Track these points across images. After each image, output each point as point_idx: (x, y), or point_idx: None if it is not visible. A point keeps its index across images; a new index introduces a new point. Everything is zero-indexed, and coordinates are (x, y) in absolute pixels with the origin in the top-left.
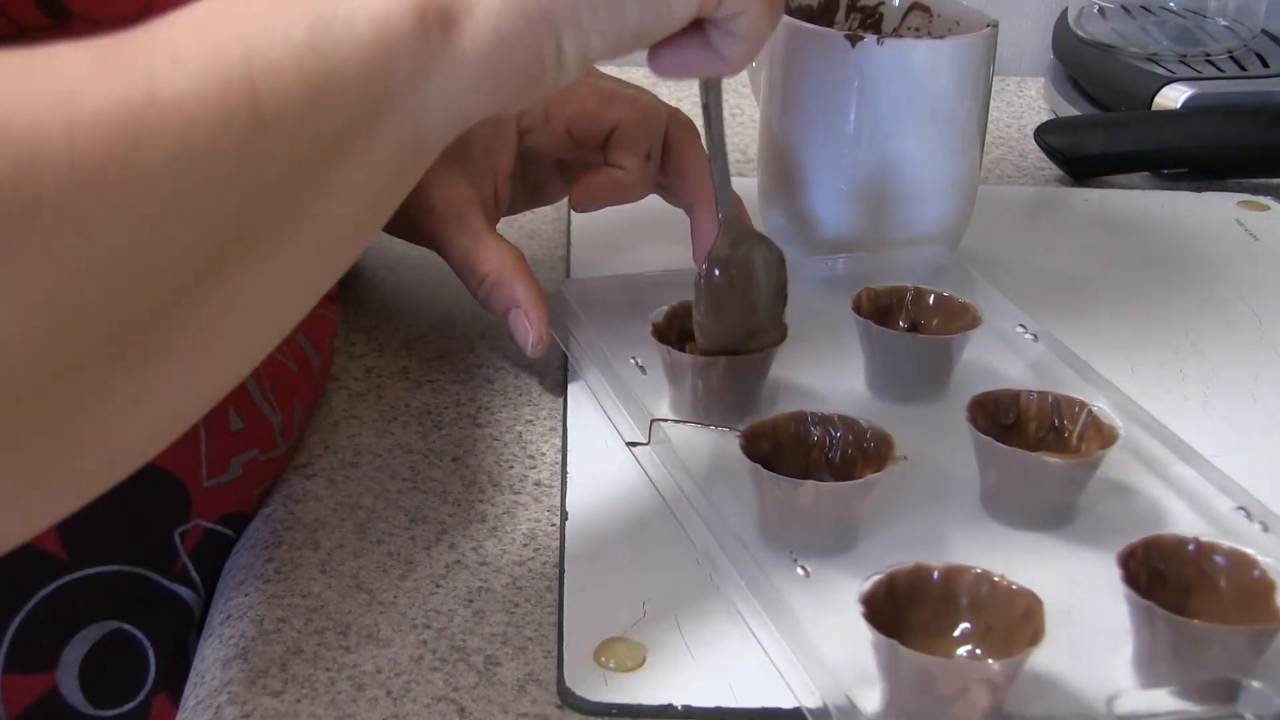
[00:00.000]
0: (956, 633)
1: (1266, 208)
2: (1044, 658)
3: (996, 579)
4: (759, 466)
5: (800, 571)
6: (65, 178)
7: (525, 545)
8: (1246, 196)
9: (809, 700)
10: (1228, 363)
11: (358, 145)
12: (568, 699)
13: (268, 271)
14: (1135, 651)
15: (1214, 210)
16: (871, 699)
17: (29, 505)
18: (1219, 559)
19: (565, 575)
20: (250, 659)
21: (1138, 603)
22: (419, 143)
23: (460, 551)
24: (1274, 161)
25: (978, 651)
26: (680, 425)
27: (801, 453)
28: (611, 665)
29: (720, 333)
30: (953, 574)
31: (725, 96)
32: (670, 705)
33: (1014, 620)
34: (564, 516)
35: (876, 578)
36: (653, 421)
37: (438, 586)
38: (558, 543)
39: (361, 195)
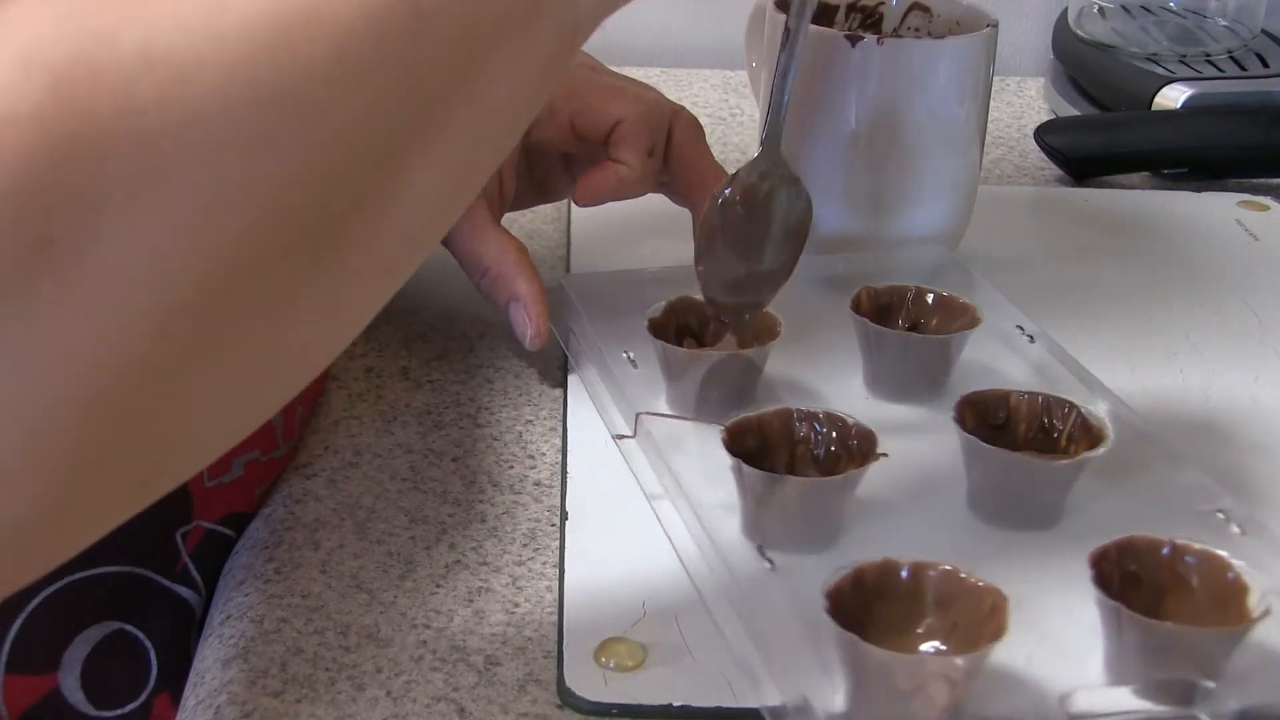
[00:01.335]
0: (924, 629)
1: (1266, 208)
2: (1016, 657)
3: (964, 575)
4: (739, 461)
5: (766, 564)
6: (220, 92)
7: (525, 545)
8: (1246, 196)
9: (769, 698)
10: (1228, 363)
11: (518, 34)
12: (568, 699)
13: (434, 163)
14: (1105, 652)
15: (1214, 210)
16: (837, 696)
17: (230, 415)
18: (1192, 561)
19: (565, 575)
20: (250, 659)
21: (1106, 604)
22: (574, 29)
23: (460, 551)
24: (1274, 161)
25: (944, 648)
26: (671, 420)
27: (787, 449)
28: (611, 665)
29: (719, 266)
30: (920, 570)
31: (725, 97)
32: (670, 705)
33: (980, 617)
34: (564, 516)
35: (843, 572)
36: (638, 415)
37: (438, 586)
38: (558, 543)
39: (521, 83)
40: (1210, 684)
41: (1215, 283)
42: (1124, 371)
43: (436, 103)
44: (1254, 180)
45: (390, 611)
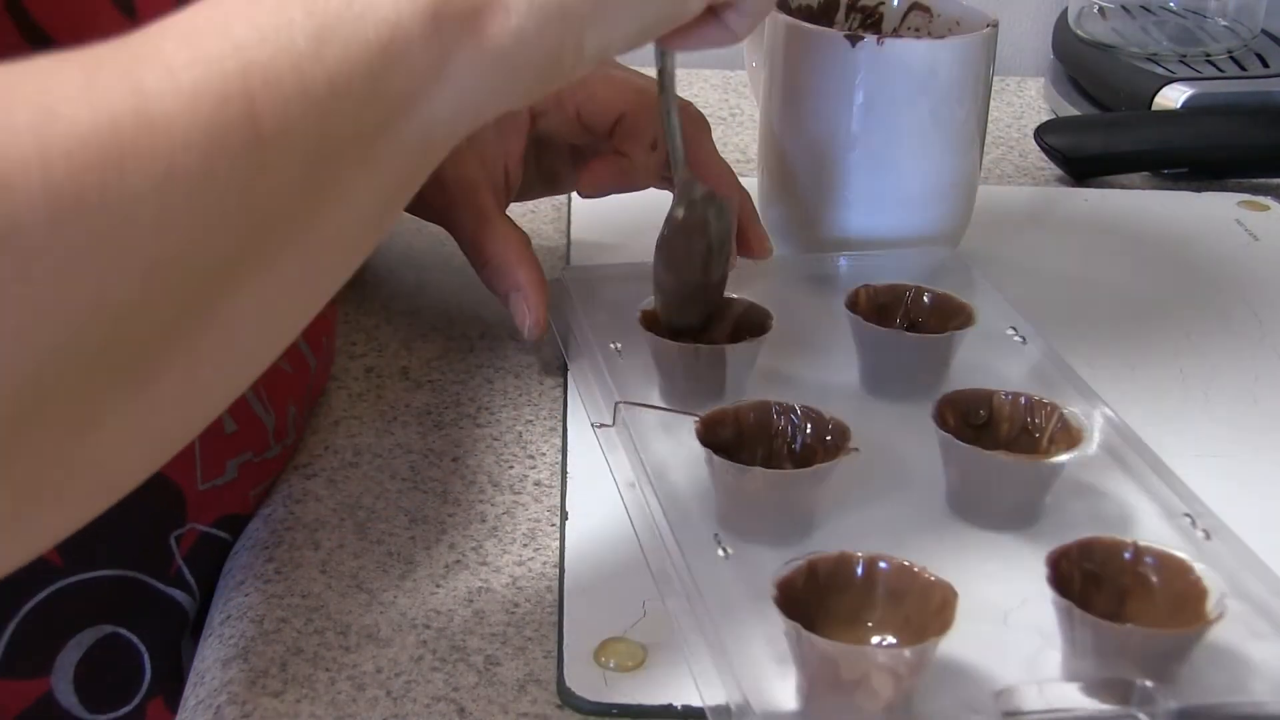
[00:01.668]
0: (875, 623)
1: (1266, 208)
2: (969, 653)
3: (916, 570)
4: (710, 451)
5: (721, 554)
6: (39, 206)
7: (525, 545)
8: (1246, 196)
9: (715, 695)
10: (1228, 363)
11: (363, 155)
12: (568, 699)
13: (268, 287)
14: (1062, 652)
15: (1214, 210)
16: (786, 689)
17: (23, 528)
18: (1153, 564)
19: (565, 575)
20: (250, 659)
21: (1059, 603)
22: (426, 146)
23: (460, 551)
24: (1274, 161)
25: (894, 642)
26: (651, 410)
27: (764, 441)
28: (611, 665)
29: (678, 295)
30: (873, 564)
31: (725, 97)
32: (670, 705)
33: (931, 612)
34: (564, 516)
35: (797, 563)
36: (617, 404)
37: (438, 586)
38: (558, 543)
39: (367, 203)
40: (1149, 684)
41: (1215, 283)
42: (1124, 371)
43: (274, 224)
44: (1254, 180)
45: (390, 611)
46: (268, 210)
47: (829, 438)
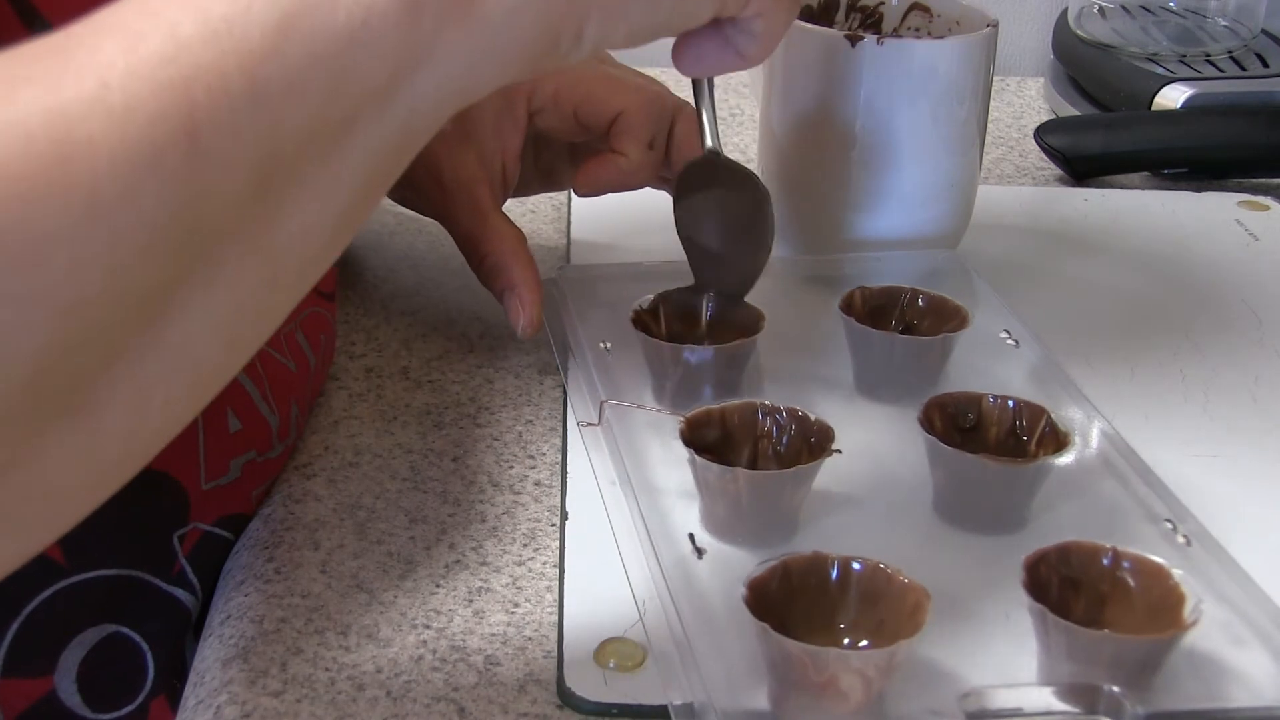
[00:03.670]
0: (848, 625)
1: (1266, 208)
2: (945, 656)
3: (890, 572)
4: (692, 452)
5: (694, 553)
6: None
7: (525, 545)
8: (1246, 196)
9: (679, 694)
10: (1228, 363)
11: (327, 153)
12: (568, 699)
13: (225, 300)
14: (1038, 656)
15: (1214, 210)
16: (756, 690)
17: None
18: (1132, 569)
19: (565, 575)
20: (250, 659)
21: (1033, 607)
22: (406, 133)
23: (460, 551)
24: (1274, 161)
25: (866, 644)
26: (639, 410)
27: (750, 442)
28: (611, 665)
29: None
30: (847, 565)
31: (725, 96)
32: (670, 705)
33: (904, 614)
34: (564, 516)
35: (770, 564)
36: (602, 403)
37: (438, 586)
38: (558, 543)
39: (338, 200)
40: (1116, 689)
41: (1215, 283)
42: (1123, 372)
43: (222, 239)
44: (1254, 180)
45: (390, 611)
46: (212, 226)
47: (814, 439)
